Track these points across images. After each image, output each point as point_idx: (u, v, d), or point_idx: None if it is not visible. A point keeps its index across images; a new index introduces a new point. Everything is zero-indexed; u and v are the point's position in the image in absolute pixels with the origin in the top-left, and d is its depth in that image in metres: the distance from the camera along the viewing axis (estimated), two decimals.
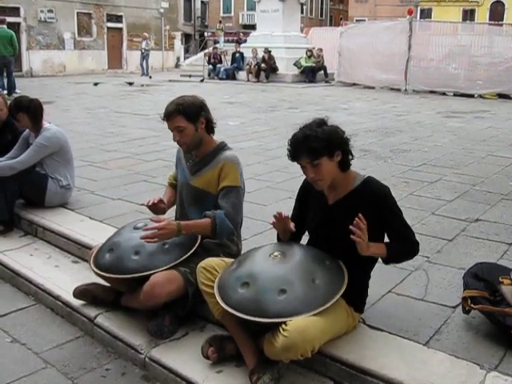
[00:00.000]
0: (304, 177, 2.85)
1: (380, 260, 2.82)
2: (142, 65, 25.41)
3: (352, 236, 2.55)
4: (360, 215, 2.58)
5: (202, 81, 21.24)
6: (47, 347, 3.19)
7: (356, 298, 2.77)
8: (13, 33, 15.68)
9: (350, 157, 2.73)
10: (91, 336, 3.29)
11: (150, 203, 3.31)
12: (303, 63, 20.66)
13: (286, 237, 2.93)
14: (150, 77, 23.64)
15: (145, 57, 25.17)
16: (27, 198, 4.84)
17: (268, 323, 2.47)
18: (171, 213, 3.54)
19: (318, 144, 2.57)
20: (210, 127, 3.24)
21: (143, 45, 25.46)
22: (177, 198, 3.48)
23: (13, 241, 4.52)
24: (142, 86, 19.03)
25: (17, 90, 14.46)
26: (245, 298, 2.54)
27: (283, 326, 2.41)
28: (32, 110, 4.68)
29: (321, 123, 2.67)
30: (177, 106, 3.11)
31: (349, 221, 2.70)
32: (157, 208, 3.35)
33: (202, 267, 2.82)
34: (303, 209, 2.98)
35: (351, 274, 2.68)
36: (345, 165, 2.72)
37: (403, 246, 2.75)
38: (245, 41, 25.28)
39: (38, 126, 4.74)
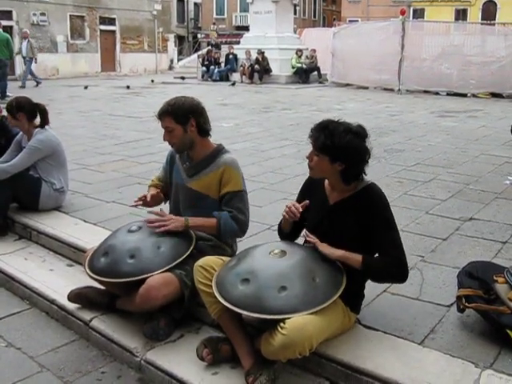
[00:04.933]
0: (301, 177, 2.87)
1: None
2: (32, 74, 19.66)
3: (307, 237, 2.64)
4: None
5: (233, 84, 20.34)
6: (42, 351, 3.18)
7: (353, 298, 2.78)
8: (9, 36, 15.66)
9: (361, 177, 2.74)
10: (86, 339, 3.28)
11: (148, 198, 3.33)
12: (294, 63, 20.69)
13: (289, 226, 2.94)
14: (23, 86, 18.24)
15: (27, 62, 19.32)
16: (21, 202, 4.82)
17: (270, 319, 2.47)
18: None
19: (325, 141, 2.62)
20: (202, 130, 3.22)
21: (23, 47, 19.50)
22: (171, 199, 3.48)
23: (7, 245, 4.50)
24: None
25: (8, 94, 14.41)
26: (245, 295, 2.54)
27: (281, 324, 2.41)
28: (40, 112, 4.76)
29: (353, 132, 2.67)
30: (167, 106, 3.15)
31: (344, 223, 2.72)
32: (156, 199, 3.40)
33: (199, 266, 2.81)
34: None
35: (348, 274, 2.68)
36: (346, 178, 2.72)
37: (387, 264, 2.64)
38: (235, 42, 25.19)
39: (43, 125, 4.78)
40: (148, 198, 3.34)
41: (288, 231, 2.98)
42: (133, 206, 3.43)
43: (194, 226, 3.17)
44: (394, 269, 2.66)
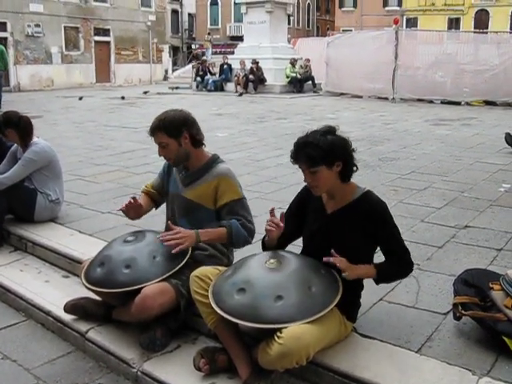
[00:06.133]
0: (296, 186, 2.87)
1: None
2: None
3: (332, 259, 2.62)
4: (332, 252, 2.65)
5: (240, 95, 20.08)
6: (38, 363, 3.16)
7: (349, 306, 2.77)
8: (3, 48, 15.62)
9: (354, 168, 2.73)
10: (83, 351, 3.26)
11: (126, 204, 3.29)
12: (288, 72, 20.77)
13: (273, 243, 2.91)
14: None
15: None
16: (16, 213, 4.81)
17: (265, 329, 2.47)
18: (159, 224, 3.54)
19: (316, 153, 2.58)
20: (196, 141, 3.22)
21: None
22: (167, 209, 3.48)
23: (2, 256, 4.48)
24: None
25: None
26: (241, 304, 2.54)
27: (278, 333, 2.41)
28: (21, 127, 4.67)
29: (327, 132, 2.67)
30: (158, 121, 3.13)
31: (345, 231, 2.73)
32: (135, 208, 3.33)
33: (195, 276, 2.81)
34: (298, 215, 2.97)
35: (345, 283, 2.68)
36: (345, 176, 2.72)
37: (395, 265, 2.78)
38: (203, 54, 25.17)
39: (27, 141, 4.71)
40: (126, 204, 3.31)
41: (273, 248, 2.92)
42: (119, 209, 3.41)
43: (206, 240, 3.12)
44: (403, 268, 2.84)
